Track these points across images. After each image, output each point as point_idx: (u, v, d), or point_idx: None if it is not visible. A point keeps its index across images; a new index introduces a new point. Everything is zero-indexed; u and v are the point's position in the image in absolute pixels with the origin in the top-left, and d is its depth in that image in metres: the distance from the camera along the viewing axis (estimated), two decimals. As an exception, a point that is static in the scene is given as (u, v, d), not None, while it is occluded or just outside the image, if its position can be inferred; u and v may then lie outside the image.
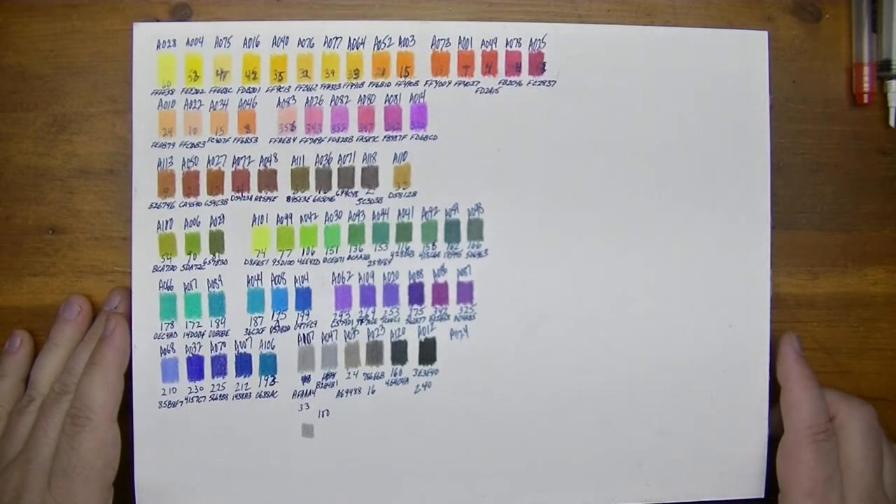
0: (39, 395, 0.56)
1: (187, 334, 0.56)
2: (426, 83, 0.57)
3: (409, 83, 0.57)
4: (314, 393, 0.57)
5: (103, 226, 0.58)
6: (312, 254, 0.57)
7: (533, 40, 0.58)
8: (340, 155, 0.57)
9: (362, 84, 0.57)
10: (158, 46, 0.56)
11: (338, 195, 0.57)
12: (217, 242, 0.56)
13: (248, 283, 0.57)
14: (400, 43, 0.57)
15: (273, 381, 0.57)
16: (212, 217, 0.56)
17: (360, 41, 0.57)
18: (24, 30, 0.58)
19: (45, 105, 0.58)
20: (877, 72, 0.59)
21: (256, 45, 0.56)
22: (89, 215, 0.58)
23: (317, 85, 0.57)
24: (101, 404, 0.53)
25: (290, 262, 0.57)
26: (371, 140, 0.57)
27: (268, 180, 0.57)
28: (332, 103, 0.57)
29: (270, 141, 0.57)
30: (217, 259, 0.56)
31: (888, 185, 0.61)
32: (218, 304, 0.56)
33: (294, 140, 0.57)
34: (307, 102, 0.57)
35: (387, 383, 0.58)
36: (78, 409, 0.53)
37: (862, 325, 0.61)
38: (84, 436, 0.53)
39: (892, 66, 0.59)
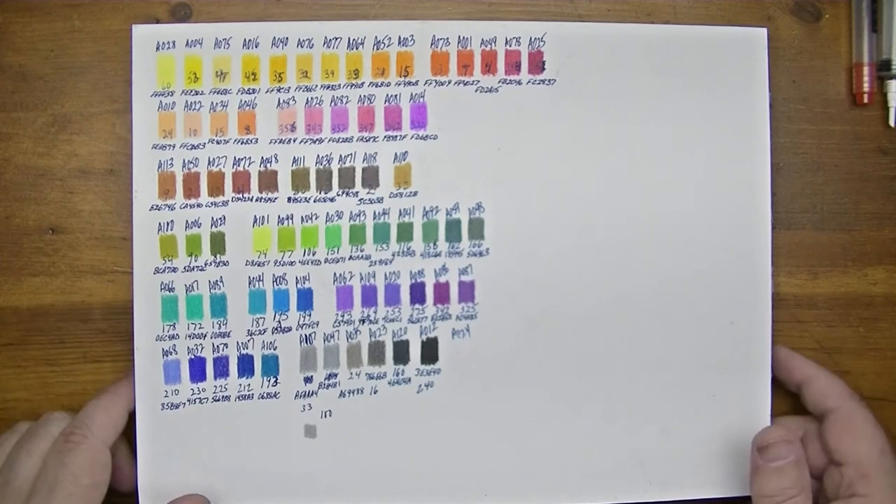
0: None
1: (189, 336, 0.56)
2: (426, 83, 0.57)
3: (409, 83, 0.57)
4: (316, 393, 0.57)
5: (103, 226, 0.58)
6: (314, 254, 0.57)
7: (532, 39, 0.58)
8: (341, 155, 0.57)
9: (362, 84, 0.57)
10: (158, 48, 0.56)
11: (338, 195, 0.57)
12: (218, 244, 0.56)
13: (250, 284, 0.57)
14: (399, 43, 0.57)
15: (275, 381, 0.57)
16: (213, 218, 0.56)
17: (359, 41, 0.57)
18: (24, 30, 0.58)
19: (45, 105, 0.58)
20: (877, 72, 0.59)
21: (256, 46, 0.56)
22: (89, 215, 0.58)
23: (316, 85, 0.57)
24: (100, 425, 0.54)
25: (292, 263, 0.57)
26: (371, 140, 0.57)
27: (268, 181, 0.57)
28: (332, 103, 0.57)
29: (270, 142, 0.57)
30: (218, 260, 0.56)
31: (888, 185, 0.61)
32: (219, 306, 0.56)
33: (294, 141, 0.57)
34: (307, 103, 0.57)
35: (389, 383, 0.58)
36: (75, 427, 0.53)
37: (862, 325, 0.61)
38: (76, 452, 0.52)
39: (892, 66, 0.59)
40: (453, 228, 0.58)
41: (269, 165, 0.56)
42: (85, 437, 0.53)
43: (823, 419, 0.56)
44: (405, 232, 0.58)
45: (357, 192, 0.57)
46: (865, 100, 0.60)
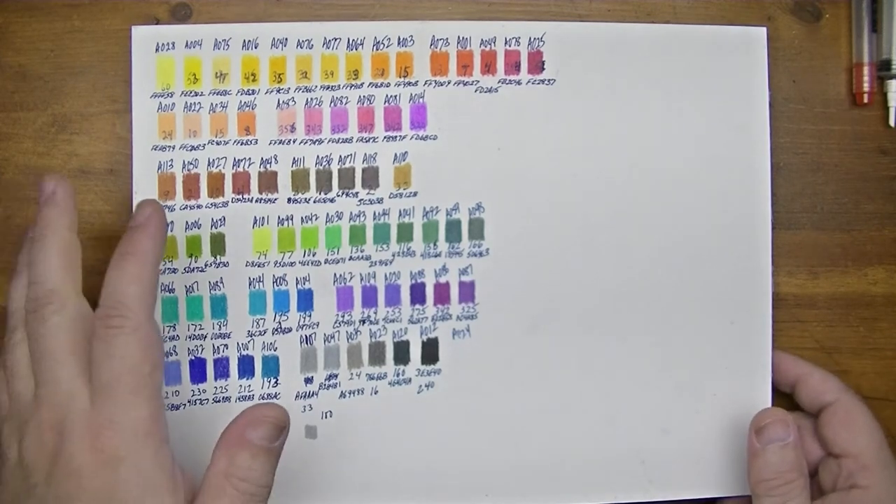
0: (22, 325, 0.47)
1: (189, 337, 0.56)
2: (425, 83, 0.57)
3: (409, 83, 0.57)
4: (317, 394, 0.57)
5: (103, 226, 0.58)
6: (314, 255, 0.57)
7: (532, 39, 0.58)
8: (341, 156, 0.57)
9: (362, 85, 0.57)
10: (157, 49, 0.56)
11: (338, 196, 0.57)
12: (218, 245, 0.56)
13: (250, 285, 0.57)
14: (399, 43, 0.57)
15: (276, 382, 0.57)
16: (212, 219, 0.56)
17: (358, 42, 0.57)
18: (24, 30, 0.58)
19: (45, 105, 0.58)
20: (877, 72, 0.59)
21: (255, 47, 0.56)
22: (89, 215, 0.58)
23: (316, 86, 0.57)
24: (138, 298, 0.46)
25: (292, 264, 0.57)
26: (371, 141, 0.57)
27: (268, 182, 0.57)
28: (332, 104, 0.57)
29: (270, 143, 0.56)
30: (218, 261, 0.56)
31: (888, 185, 0.61)
32: (220, 307, 0.56)
33: (294, 141, 0.57)
34: (307, 104, 0.57)
35: (389, 384, 0.58)
36: (110, 309, 0.45)
37: (862, 325, 0.61)
38: (124, 338, 0.44)
39: (892, 66, 0.59)
40: (453, 229, 0.58)
41: (268, 166, 0.56)
42: (126, 316, 0.45)
43: (820, 414, 0.57)
44: (405, 232, 0.58)
45: (357, 193, 0.57)
46: (865, 100, 0.60)
